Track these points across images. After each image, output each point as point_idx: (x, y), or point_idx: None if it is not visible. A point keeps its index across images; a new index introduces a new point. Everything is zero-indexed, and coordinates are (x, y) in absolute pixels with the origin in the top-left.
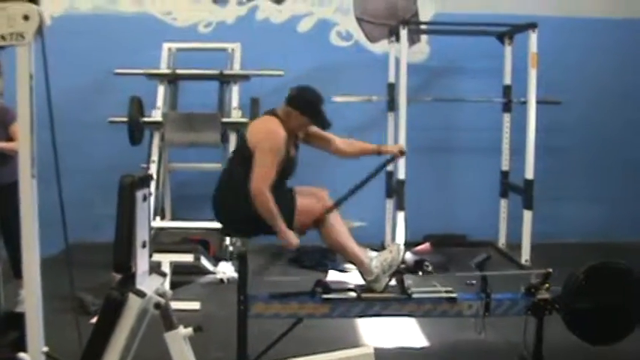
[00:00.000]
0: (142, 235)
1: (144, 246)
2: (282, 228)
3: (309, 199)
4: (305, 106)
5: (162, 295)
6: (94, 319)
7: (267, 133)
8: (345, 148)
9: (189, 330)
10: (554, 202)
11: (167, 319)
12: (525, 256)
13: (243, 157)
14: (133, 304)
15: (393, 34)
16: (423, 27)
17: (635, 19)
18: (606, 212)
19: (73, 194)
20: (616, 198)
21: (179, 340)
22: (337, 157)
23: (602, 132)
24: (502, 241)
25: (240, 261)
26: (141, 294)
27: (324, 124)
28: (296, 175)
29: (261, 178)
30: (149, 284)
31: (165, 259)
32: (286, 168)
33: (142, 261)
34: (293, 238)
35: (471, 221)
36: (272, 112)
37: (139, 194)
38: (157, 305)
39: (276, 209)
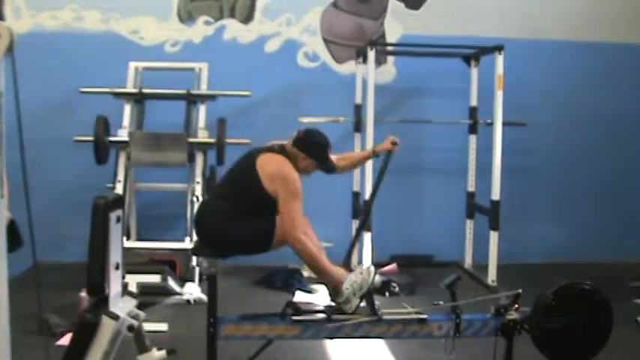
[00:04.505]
0: (115, 256)
1: (117, 267)
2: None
3: None
4: (312, 149)
5: (135, 317)
6: (60, 341)
7: (288, 179)
8: (344, 165)
9: (163, 353)
10: (519, 223)
11: (140, 341)
12: (492, 276)
13: (249, 186)
14: (107, 326)
15: (360, 55)
16: (389, 48)
17: (600, 43)
18: (571, 233)
19: (36, 213)
20: (581, 219)
21: None
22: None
23: (567, 153)
24: (468, 262)
25: (210, 282)
26: (114, 316)
27: (328, 169)
28: None
29: (293, 227)
30: (122, 306)
31: (133, 280)
32: None
33: (114, 283)
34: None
35: (437, 242)
36: (282, 151)
37: (113, 215)
38: (131, 328)
39: (317, 250)
